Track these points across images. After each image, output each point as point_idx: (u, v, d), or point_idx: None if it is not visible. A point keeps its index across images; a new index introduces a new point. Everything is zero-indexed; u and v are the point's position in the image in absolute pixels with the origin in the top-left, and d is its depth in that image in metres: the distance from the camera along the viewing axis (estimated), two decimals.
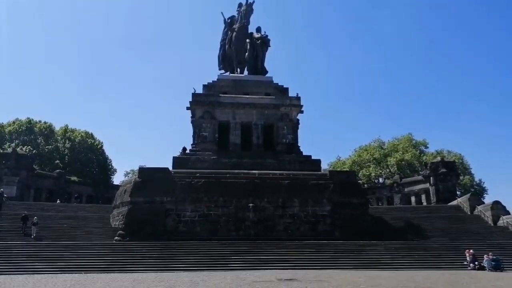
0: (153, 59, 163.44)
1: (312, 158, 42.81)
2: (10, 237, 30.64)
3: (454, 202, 47.21)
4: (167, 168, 37.09)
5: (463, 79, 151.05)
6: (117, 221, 36.25)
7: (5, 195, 46.26)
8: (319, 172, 40.56)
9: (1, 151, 57.70)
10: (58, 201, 52.55)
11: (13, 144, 62.12)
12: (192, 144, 44.80)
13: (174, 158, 40.84)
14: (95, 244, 27.99)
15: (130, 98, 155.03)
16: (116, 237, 32.06)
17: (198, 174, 36.52)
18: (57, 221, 37.22)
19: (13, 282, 17.17)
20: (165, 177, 35.71)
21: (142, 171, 36.80)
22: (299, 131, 45.93)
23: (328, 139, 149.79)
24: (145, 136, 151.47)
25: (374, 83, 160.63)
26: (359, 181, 43.31)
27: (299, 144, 44.81)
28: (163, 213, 34.14)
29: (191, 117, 46.63)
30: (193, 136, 45.78)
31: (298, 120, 46.18)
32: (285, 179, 36.41)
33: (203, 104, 44.67)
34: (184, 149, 44.04)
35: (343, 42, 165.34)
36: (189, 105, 45.40)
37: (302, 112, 46.14)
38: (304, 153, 43.83)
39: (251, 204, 34.57)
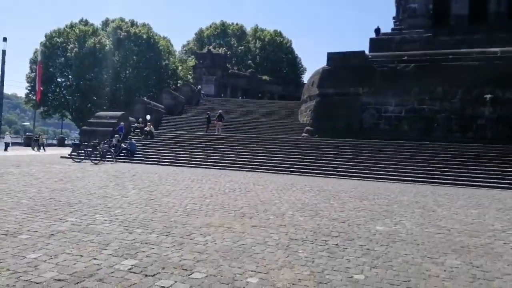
0: None
1: None
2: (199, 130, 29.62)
3: None
4: (362, 52, 28.86)
5: None
6: (305, 117, 31.49)
7: (202, 92, 47.73)
8: None
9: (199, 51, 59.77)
10: (239, 98, 51.75)
11: (210, 46, 63.80)
12: (394, 21, 34.31)
13: (371, 39, 31.79)
14: (275, 140, 23.47)
15: None
16: (303, 134, 27.26)
17: (405, 57, 27.23)
18: (243, 116, 35.10)
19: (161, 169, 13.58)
20: (361, 62, 27.81)
21: (332, 56, 29.39)
22: None
23: None
24: (334, 27, 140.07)
25: None
26: None
27: None
28: (359, 107, 27.07)
29: None
30: (397, 11, 34.90)
31: None
32: None
33: None
34: (378, 30, 33.92)
35: None
36: None
37: None
38: None
39: (488, 95, 23.73)
